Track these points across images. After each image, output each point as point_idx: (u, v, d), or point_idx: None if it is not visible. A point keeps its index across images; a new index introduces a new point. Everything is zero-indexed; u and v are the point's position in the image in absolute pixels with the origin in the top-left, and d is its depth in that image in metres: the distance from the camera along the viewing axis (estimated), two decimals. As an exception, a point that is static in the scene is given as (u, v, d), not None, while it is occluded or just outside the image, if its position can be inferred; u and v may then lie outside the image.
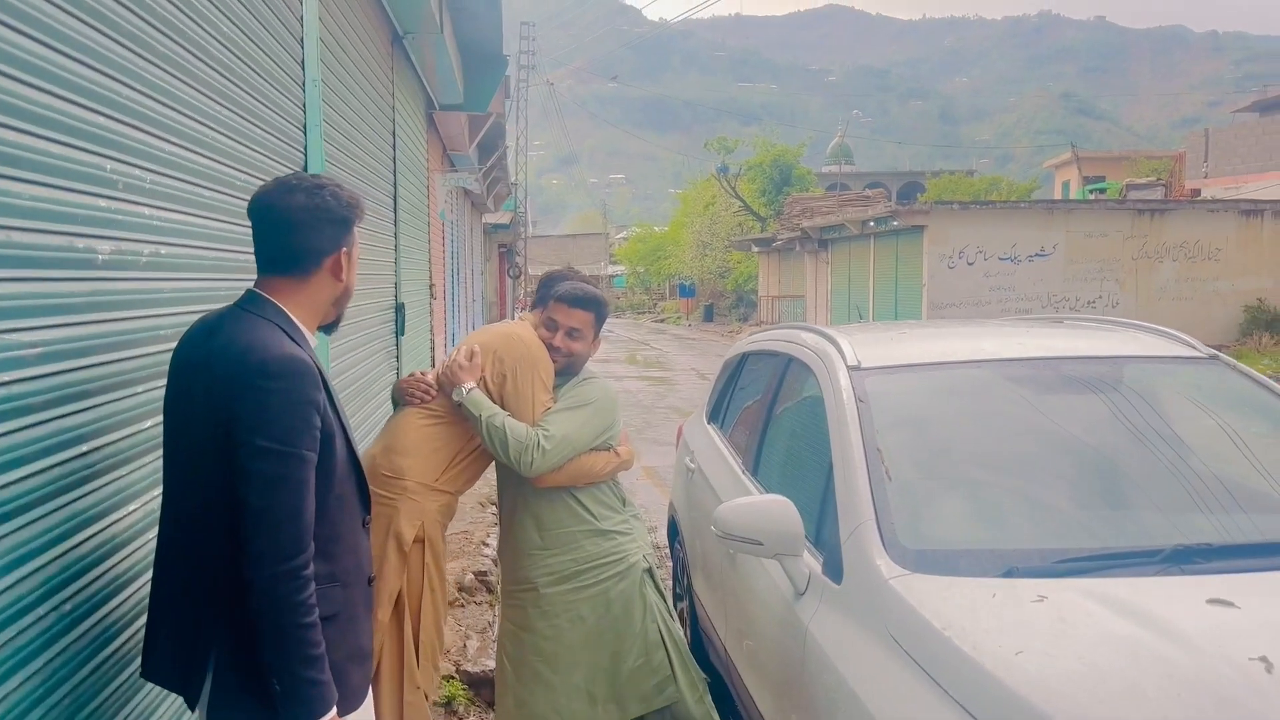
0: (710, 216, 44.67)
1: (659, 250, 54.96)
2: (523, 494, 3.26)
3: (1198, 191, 24.73)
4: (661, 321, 48.72)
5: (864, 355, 3.19)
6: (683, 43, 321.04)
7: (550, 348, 3.21)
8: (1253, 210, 21.71)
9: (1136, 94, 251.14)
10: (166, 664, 1.98)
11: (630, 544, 3.27)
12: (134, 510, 2.33)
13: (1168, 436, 3.02)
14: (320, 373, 1.99)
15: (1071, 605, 2.19)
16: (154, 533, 2.14)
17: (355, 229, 2.14)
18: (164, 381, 2.06)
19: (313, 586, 1.86)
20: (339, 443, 2.03)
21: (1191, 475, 2.82)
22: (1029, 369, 3.20)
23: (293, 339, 1.98)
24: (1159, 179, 27.41)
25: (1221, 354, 3.32)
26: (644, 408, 15.45)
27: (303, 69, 4.03)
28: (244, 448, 1.83)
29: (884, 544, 2.50)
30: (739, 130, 58.79)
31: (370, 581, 2.22)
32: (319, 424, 1.93)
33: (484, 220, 26.91)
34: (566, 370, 3.28)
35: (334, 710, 1.90)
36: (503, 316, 28.83)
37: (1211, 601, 2.19)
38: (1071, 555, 2.45)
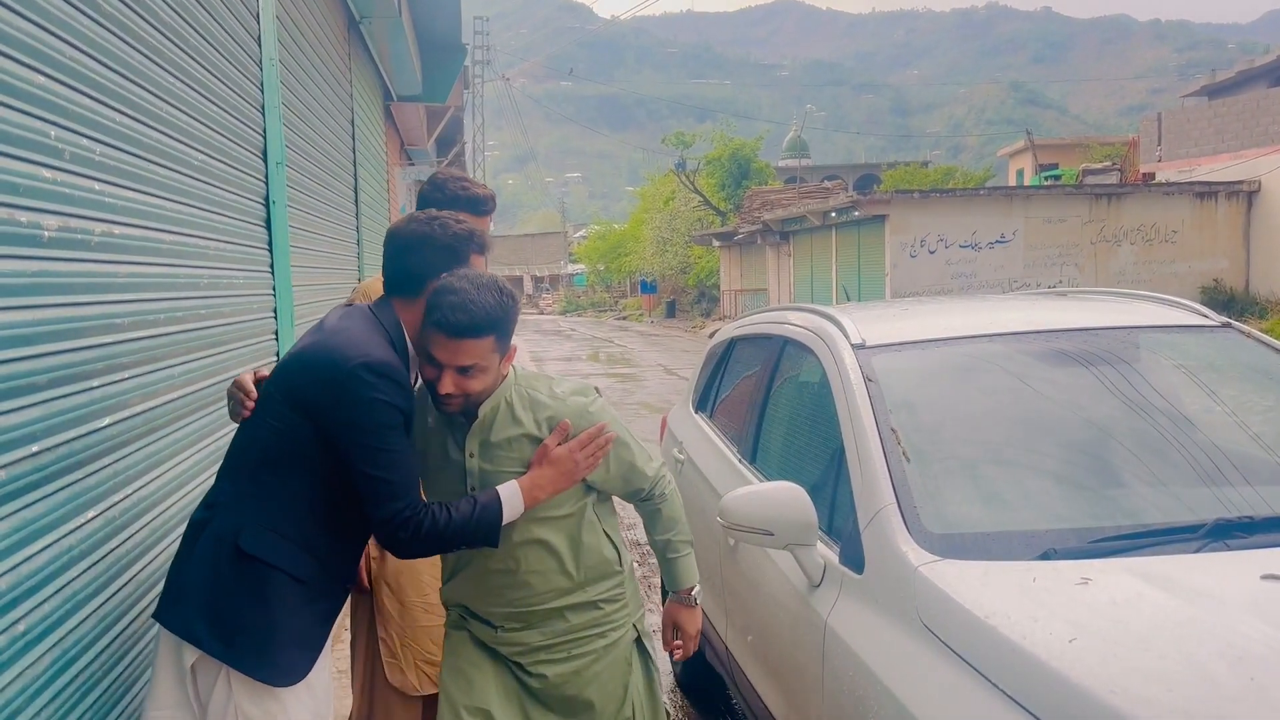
0: (670, 212, 44.49)
1: (619, 247, 54.66)
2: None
3: (1152, 175, 24.95)
4: (624, 319, 48.51)
5: (868, 333, 3.04)
6: (635, 39, 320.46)
7: (436, 397, 2.23)
8: (1207, 192, 21.97)
9: (1083, 83, 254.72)
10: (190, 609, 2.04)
11: (619, 612, 2.46)
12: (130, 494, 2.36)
13: (1190, 406, 2.89)
14: (412, 395, 2.15)
15: (1120, 587, 2.04)
16: (153, 514, 2.32)
17: (474, 261, 2.26)
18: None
19: (420, 514, 2.08)
20: None
21: (1219, 446, 2.69)
22: (1041, 342, 3.06)
23: (396, 352, 2.14)
24: (1114, 164, 27.68)
25: (1233, 321, 3.21)
26: (612, 404, 15.23)
27: (259, 46, 3.79)
28: (342, 427, 2.03)
29: (909, 529, 2.34)
30: (694, 126, 58.72)
31: (346, 590, 2.25)
32: (402, 425, 2.10)
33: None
34: (470, 405, 2.26)
35: (508, 512, 2.17)
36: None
37: (1267, 577, 2.05)
38: (1109, 534, 2.31)
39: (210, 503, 2.11)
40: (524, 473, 2.29)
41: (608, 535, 2.44)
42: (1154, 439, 2.73)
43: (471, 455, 2.30)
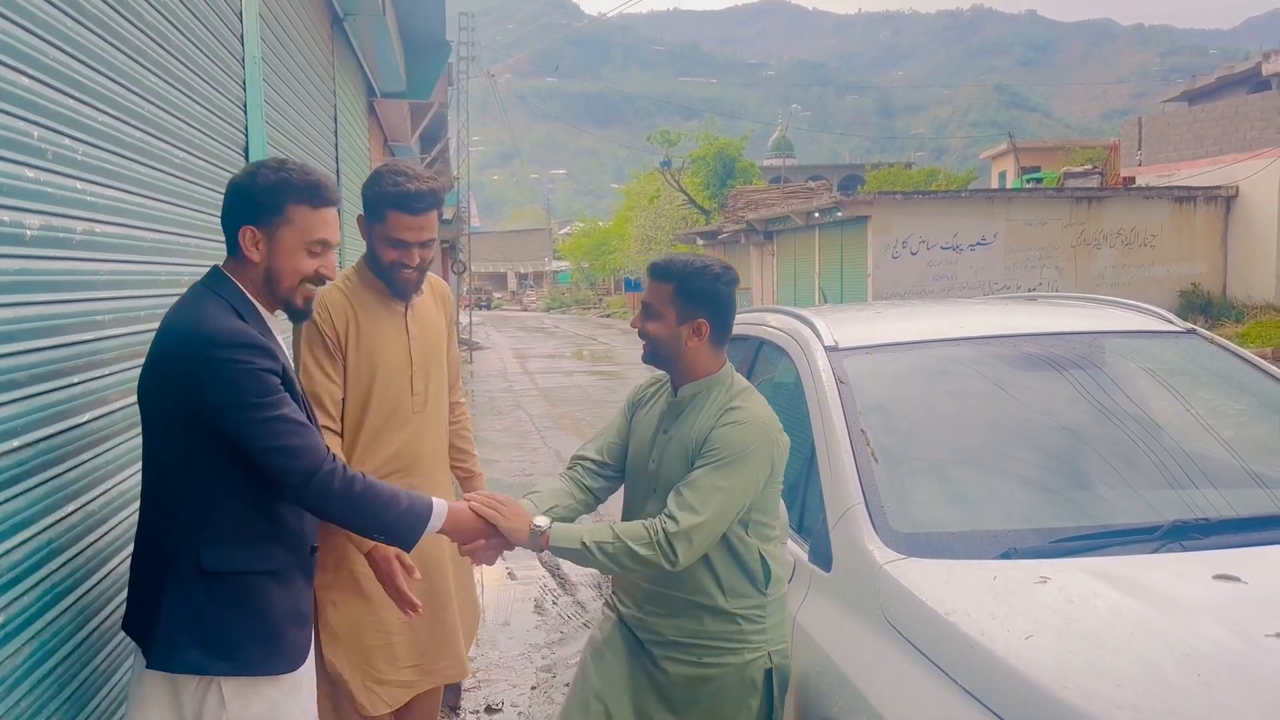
0: (654, 210, 44.54)
1: (603, 245, 54.71)
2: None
3: (1132, 179, 25.16)
4: (608, 316, 48.54)
5: (841, 335, 3.09)
6: (622, 36, 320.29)
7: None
8: (1185, 197, 22.17)
9: (1067, 86, 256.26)
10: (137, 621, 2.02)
11: (757, 635, 2.37)
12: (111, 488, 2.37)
13: (1152, 411, 2.97)
14: (272, 350, 1.99)
15: (1077, 586, 2.11)
16: (131, 509, 2.27)
17: (289, 210, 2.03)
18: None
19: (340, 472, 1.98)
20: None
21: (1180, 449, 2.77)
22: (1010, 346, 3.12)
23: (241, 315, 1.99)
24: (1094, 167, 27.89)
25: (1198, 328, 3.28)
26: (594, 402, 15.33)
27: (242, 45, 3.82)
28: (219, 411, 1.89)
29: (875, 528, 2.41)
30: (680, 124, 58.83)
31: (313, 551, 2.18)
32: (280, 385, 1.97)
33: (426, 215, 26.42)
34: (655, 359, 2.45)
35: (434, 520, 2.10)
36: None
37: (1218, 577, 2.12)
38: (1069, 534, 2.38)
39: (150, 536, 2.01)
40: (681, 471, 2.31)
41: (763, 557, 2.38)
42: (1117, 442, 2.80)
43: (665, 432, 2.44)
